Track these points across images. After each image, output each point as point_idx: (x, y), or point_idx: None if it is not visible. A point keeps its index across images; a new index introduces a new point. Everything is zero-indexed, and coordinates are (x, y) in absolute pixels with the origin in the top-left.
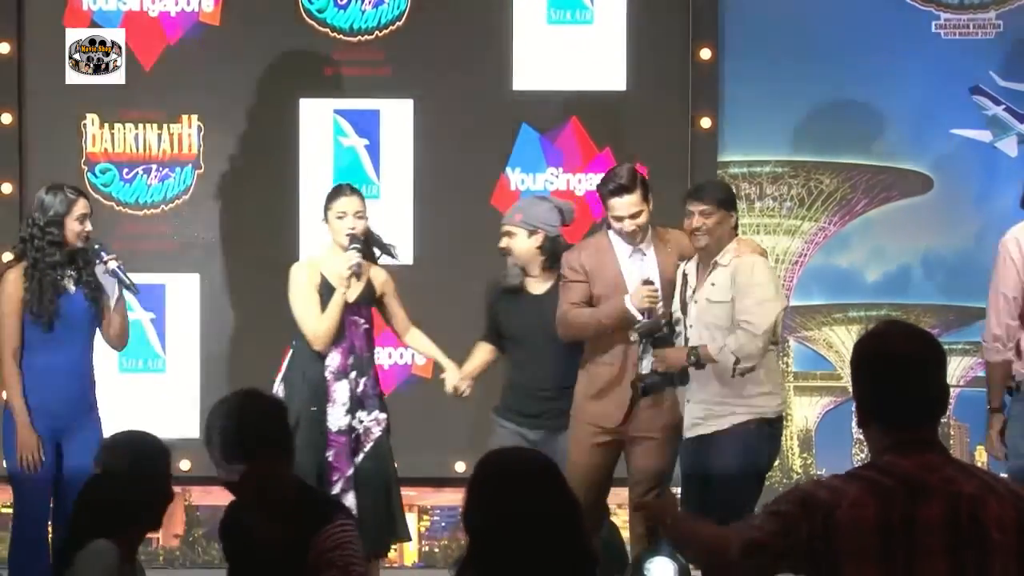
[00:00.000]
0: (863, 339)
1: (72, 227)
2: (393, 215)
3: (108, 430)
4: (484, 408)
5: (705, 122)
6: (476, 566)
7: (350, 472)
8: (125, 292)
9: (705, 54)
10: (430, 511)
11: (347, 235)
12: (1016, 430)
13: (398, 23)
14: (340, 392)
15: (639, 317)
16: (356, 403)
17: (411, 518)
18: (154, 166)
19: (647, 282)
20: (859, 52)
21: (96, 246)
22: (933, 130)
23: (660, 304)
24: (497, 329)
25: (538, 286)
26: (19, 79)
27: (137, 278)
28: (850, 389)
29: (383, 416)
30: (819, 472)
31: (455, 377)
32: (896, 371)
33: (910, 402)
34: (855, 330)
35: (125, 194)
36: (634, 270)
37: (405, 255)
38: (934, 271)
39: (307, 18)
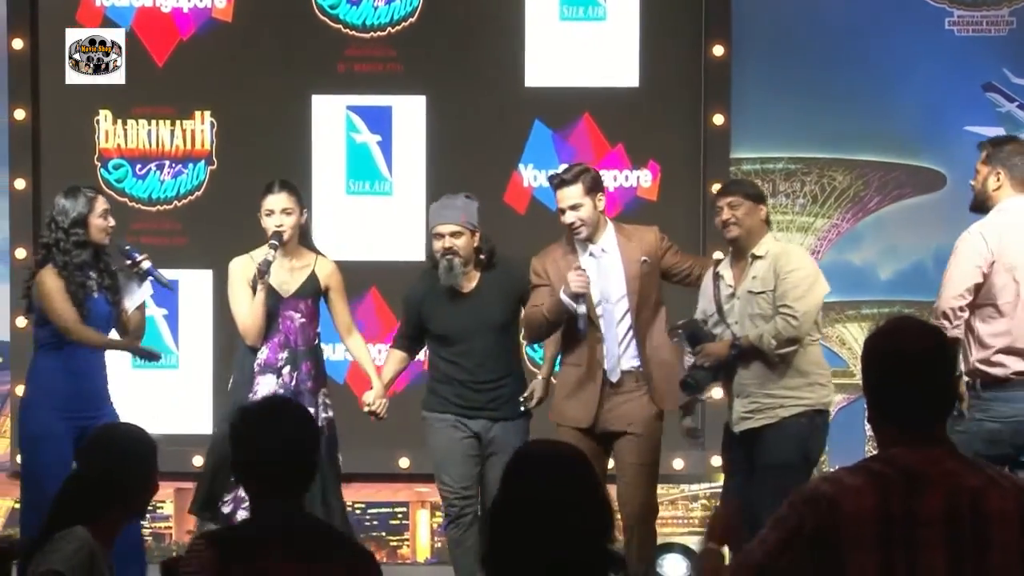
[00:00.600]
0: (874, 335)
1: (96, 224)
2: (405, 212)
3: None
4: None
5: (718, 119)
6: (496, 560)
7: None
8: (159, 289)
9: (718, 51)
10: (442, 507)
11: (273, 232)
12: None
13: (410, 19)
14: (263, 386)
15: (572, 304)
16: (291, 396)
17: (423, 514)
18: (167, 162)
19: (576, 268)
20: (872, 49)
21: (127, 247)
22: (946, 127)
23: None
24: (421, 331)
25: (468, 283)
26: (32, 75)
27: None
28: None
29: (312, 410)
30: (832, 469)
31: (378, 401)
32: (906, 368)
33: (920, 398)
34: (868, 327)
35: (138, 190)
36: (595, 269)
37: (417, 251)
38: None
39: (319, 14)
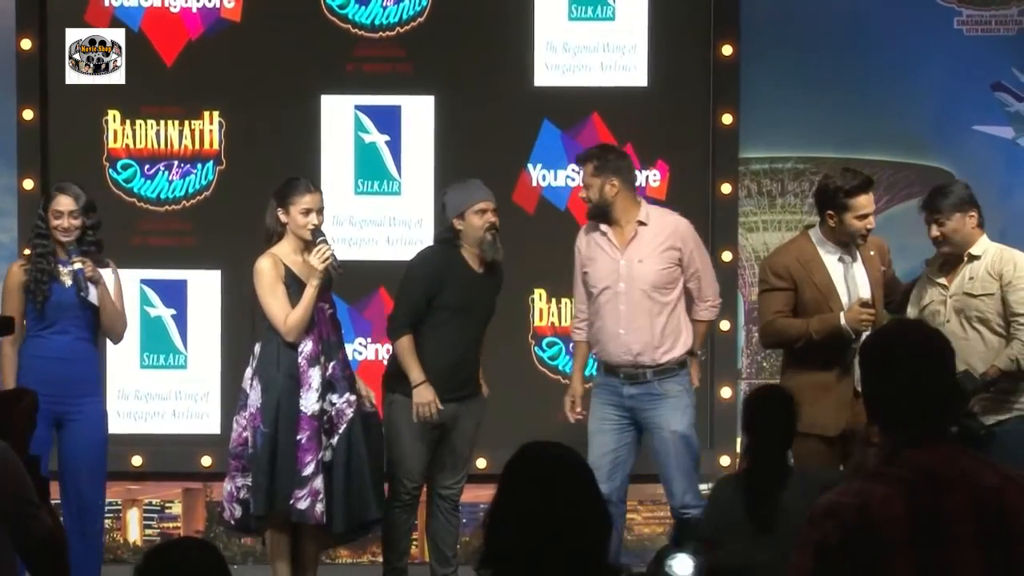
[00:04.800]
0: (873, 336)
1: (51, 220)
2: (414, 211)
3: (131, 424)
4: (509, 406)
5: (726, 118)
6: (495, 564)
7: (320, 455)
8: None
9: (727, 50)
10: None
11: (310, 229)
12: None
13: (419, 19)
14: (314, 377)
15: (852, 336)
16: (327, 387)
17: None
18: (175, 162)
19: (865, 304)
20: (881, 48)
21: (71, 248)
22: (955, 126)
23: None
24: (429, 304)
25: (481, 266)
26: (41, 75)
27: (158, 274)
28: None
29: (354, 398)
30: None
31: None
32: (906, 368)
33: (921, 398)
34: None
35: (147, 190)
36: (842, 275)
37: None
38: None
39: (328, 14)
